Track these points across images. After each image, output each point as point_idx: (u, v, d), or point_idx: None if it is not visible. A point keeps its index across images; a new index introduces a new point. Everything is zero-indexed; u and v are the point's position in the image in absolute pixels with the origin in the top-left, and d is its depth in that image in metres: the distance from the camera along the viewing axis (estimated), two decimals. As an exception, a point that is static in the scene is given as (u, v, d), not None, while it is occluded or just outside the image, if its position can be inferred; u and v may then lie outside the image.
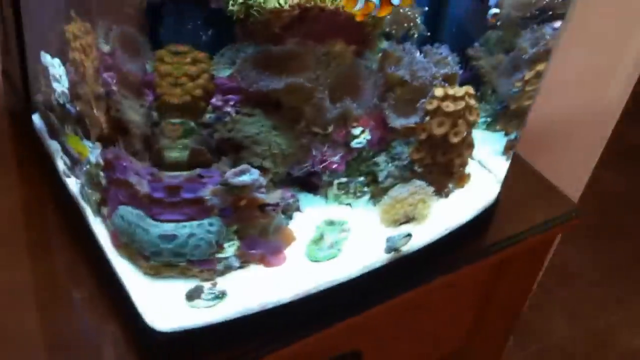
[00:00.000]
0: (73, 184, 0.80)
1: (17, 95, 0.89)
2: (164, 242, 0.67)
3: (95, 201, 0.75)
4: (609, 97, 1.28)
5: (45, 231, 0.85)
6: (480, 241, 0.88)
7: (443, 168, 0.77)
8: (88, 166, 0.73)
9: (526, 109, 0.81)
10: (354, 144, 0.73)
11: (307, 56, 0.69)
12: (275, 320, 0.73)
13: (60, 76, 0.74)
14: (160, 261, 0.68)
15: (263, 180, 0.69)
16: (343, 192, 0.76)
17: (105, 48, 0.67)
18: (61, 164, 0.81)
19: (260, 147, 0.70)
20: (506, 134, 0.85)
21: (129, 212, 0.68)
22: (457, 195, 0.83)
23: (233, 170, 0.68)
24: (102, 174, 0.72)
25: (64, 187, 0.81)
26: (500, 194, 0.89)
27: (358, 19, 0.64)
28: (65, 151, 0.80)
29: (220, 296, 0.70)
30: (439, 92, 0.71)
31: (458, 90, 0.72)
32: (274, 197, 0.71)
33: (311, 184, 0.77)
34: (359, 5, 0.61)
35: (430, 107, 0.72)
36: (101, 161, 0.71)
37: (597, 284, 1.97)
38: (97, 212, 0.75)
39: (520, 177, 0.93)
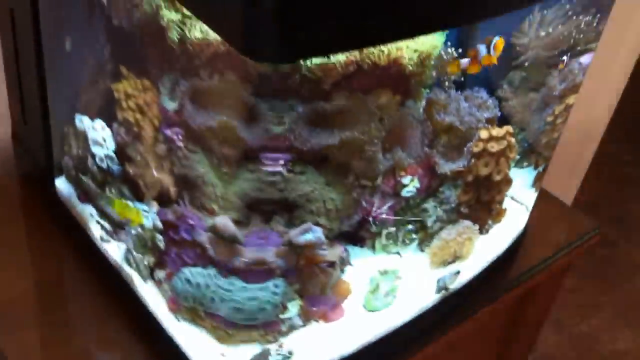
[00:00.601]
0: (113, 250, 0.78)
1: (35, 160, 0.86)
2: (230, 304, 0.67)
3: (146, 266, 0.74)
4: (594, 116, 1.35)
5: (77, 303, 0.82)
6: (513, 269, 0.92)
7: (485, 206, 0.80)
8: (139, 229, 0.72)
9: (555, 141, 0.86)
10: (404, 193, 0.74)
11: (359, 110, 0.70)
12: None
13: (104, 139, 0.73)
14: (231, 324, 0.68)
15: (324, 238, 0.70)
16: (391, 241, 0.78)
17: (171, 105, 0.67)
18: (97, 230, 0.80)
19: (315, 205, 0.71)
20: (535, 168, 0.89)
21: (197, 273, 0.68)
22: (493, 229, 0.86)
23: (297, 229, 0.68)
24: (158, 236, 0.71)
25: (98, 255, 0.80)
26: (527, 223, 0.93)
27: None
28: (105, 216, 0.79)
29: (288, 356, 0.70)
30: (484, 134, 0.74)
31: (500, 131, 0.76)
32: (334, 253, 0.72)
33: (358, 237, 0.79)
34: (463, 66, 0.64)
35: (476, 149, 0.75)
36: (159, 223, 0.71)
37: (574, 290, 2.05)
38: (149, 276, 0.74)
39: (538, 203, 0.97)
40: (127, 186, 0.76)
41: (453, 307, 0.83)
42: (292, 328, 0.71)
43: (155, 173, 0.70)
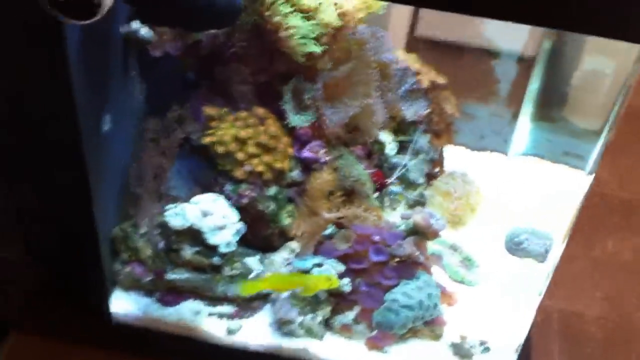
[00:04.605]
0: (250, 334, 0.64)
1: (59, 292, 0.65)
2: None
3: (320, 323, 0.62)
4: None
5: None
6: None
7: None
8: (301, 290, 0.60)
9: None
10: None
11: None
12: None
13: (225, 215, 0.58)
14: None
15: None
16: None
17: (302, 120, 0.56)
18: (215, 325, 0.64)
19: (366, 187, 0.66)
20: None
21: (413, 290, 0.60)
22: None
23: (422, 216, 0.63)
24: (343, 281, 0.60)
25: (229, 354, 0.65)
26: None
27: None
28: (224, 300, 0.63)
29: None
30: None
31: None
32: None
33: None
34: None
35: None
36: (341, 266, 0.60)
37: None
38: (326, 328, 0.63)
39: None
40: (255, 250, 0.62)
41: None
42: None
43: (319, 211, 0.58)
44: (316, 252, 0.62)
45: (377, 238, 0.60)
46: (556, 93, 0.92)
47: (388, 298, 0.61)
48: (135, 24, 0.55)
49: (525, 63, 0.90)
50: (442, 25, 0.84)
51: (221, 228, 0.58)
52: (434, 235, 0.61)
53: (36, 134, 0.52)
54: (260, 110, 0.58)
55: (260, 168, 0.57)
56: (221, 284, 0.63)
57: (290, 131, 0.60)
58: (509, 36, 0.88)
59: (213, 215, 0.57)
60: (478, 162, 0.86)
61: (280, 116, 0.59)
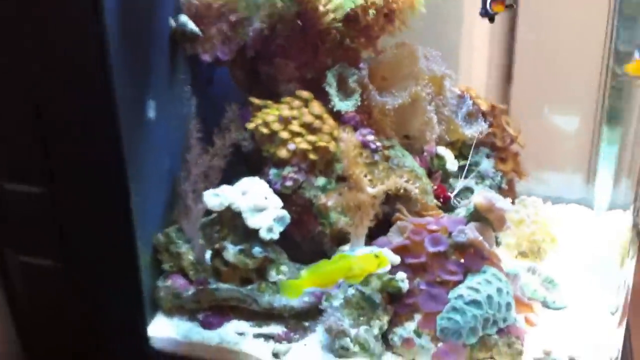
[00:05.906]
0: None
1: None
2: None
3: (377, 336, 0.55)
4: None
5: None
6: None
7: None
8: (351, 293, 0.54)
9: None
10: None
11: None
12: None
13: (267, 196, 0.55)
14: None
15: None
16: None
17: (346, 105, 0.56)
18: (260, 348, 0.57)
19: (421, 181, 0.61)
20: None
21: (480, 284, 0.52)
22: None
23: (483, 195, 0.56)
24: (399, 276, 0.54)
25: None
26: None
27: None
28: (278, 320, 0.57)
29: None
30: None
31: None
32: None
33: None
34: None
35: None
36: (395, 257, 0.53)
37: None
38: (385, 344, 0.55)
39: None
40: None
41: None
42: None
43: (369, 189, 0.54)
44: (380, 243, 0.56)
45: (434, 227, 0.54)
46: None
47: (452, 296, 0.53)
48: (183, 18, 0.58)
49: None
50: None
51: (261, 210, 0.54)
52: (500, 220, 0.55)
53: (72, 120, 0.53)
54: (305, 93, 0.57)
55: (304, 145, 0.54)
56: (267, 294, 0.57)
57: (337, 119, 0.58)
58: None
59: (253, 194, 0.54)
60: (558, 211, 0.79)
61: (329, 109, 0.58)
